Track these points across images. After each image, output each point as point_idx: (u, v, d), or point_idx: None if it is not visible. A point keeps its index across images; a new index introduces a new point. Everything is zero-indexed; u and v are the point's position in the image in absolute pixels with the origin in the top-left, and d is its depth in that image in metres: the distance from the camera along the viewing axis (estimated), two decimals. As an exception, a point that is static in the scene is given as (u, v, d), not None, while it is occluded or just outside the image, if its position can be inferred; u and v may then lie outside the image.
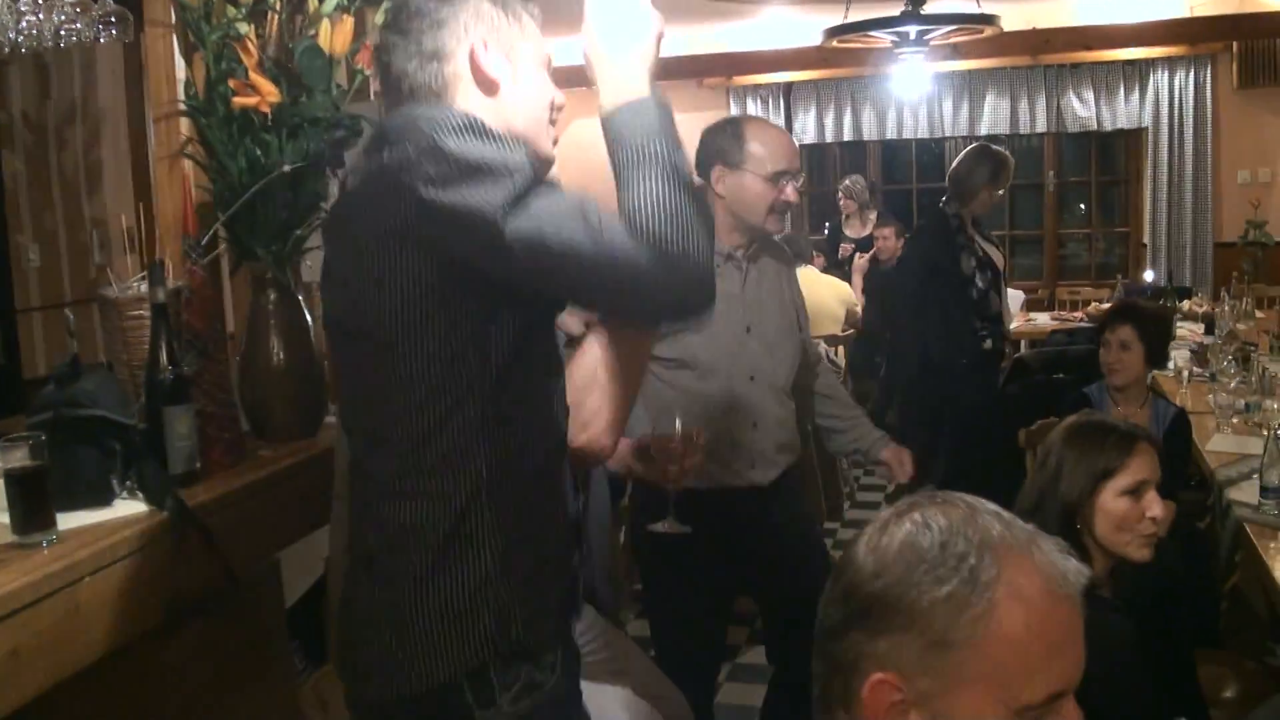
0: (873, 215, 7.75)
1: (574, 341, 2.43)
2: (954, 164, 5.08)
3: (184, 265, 2.30)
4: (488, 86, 1.66)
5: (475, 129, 1.52)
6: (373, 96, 4.36)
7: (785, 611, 3.02)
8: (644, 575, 3.17)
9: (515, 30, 1.69)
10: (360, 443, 1.71)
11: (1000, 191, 5.12)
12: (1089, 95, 7.98)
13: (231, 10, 2.33)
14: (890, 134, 8.41)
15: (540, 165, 1.65)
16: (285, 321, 2.49)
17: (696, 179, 1.62)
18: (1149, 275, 7.45)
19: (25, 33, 2.18)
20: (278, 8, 2.41)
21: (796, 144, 2.98)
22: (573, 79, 6.64)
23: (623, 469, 2.40)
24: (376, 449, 1.66)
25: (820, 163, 9.06)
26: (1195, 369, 4.87)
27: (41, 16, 2.21)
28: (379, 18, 2.53)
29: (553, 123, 1.77)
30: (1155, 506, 2.23)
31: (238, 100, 2.29)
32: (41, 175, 3.64)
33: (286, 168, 2.40)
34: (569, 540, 1.78)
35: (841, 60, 7.63)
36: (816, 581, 1.27)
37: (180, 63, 2.38)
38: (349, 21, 2.37)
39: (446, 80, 1.65)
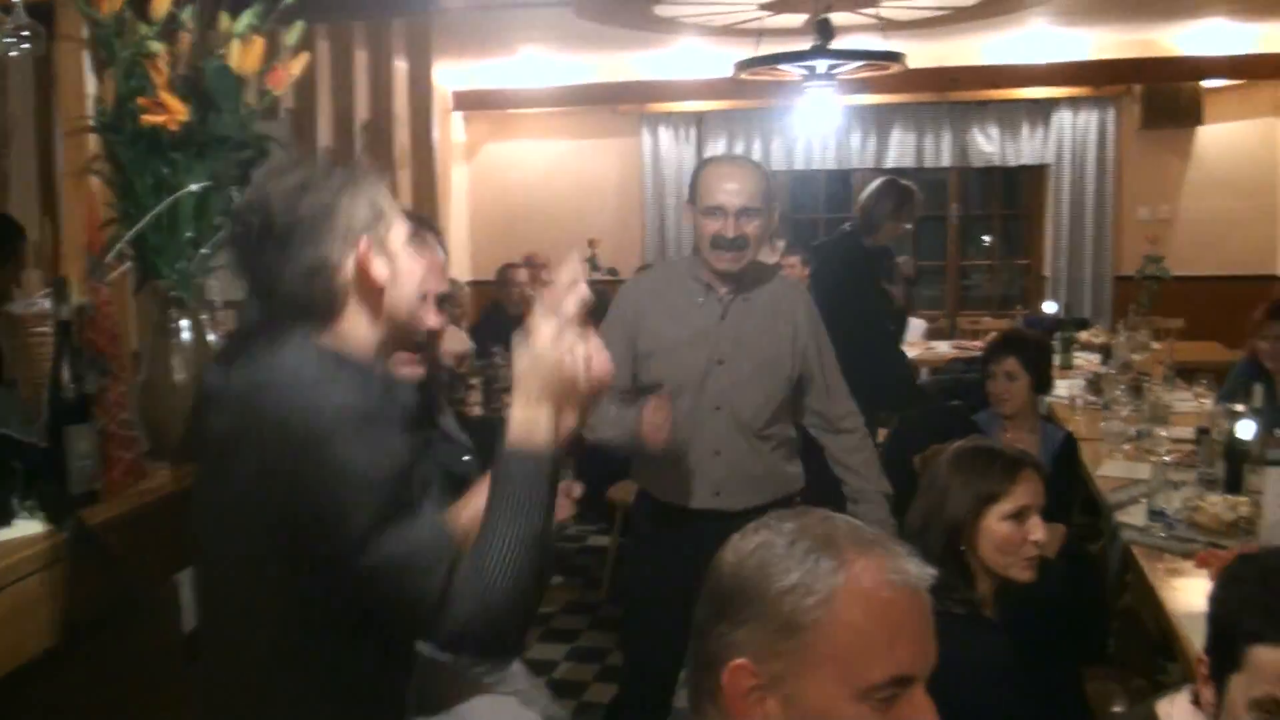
0: (780, 244, 7.85)
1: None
2: (862, 195, 5.18)
3: (87, 283, 2.28)
4: (374, 294, 1.66)
5: (365, 415, 1.52)
6: (282, 114, 4.38)
7: None
8: (623, 582, 3.33)
9: (385, 220, 1.67)
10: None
11: (907, 225, 5.22)
12: (994, 132, 8.21)
13: (143, 28, 2.32)
14: (799, 164, 8.54)
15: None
16: (187, 342, 2.47)
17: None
18: (1049, 307, 7.64)
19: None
20: (189, 27, 2.40)
21: (753, 181, 2.95)
22: (484, 102, 6.73)
23: None
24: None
25: (731, 191, 9.16)
26: (1089, 397, 5.02)
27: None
28: (290, 38, 2.55)
29: (425, 298, 1.80)
30: (1037, 530, 2.32)
31: (146, 118, 2.28)
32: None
33: (194, 187, 2.39)
34: None
35: (753, 91, 7.74)
36: None
37: (91, 78, 2.36)
38: (259, 42, 2.37)
39: (335, 293, 1.63)
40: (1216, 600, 1.74)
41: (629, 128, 8.81)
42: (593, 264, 8.00)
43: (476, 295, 7.66)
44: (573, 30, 6.98)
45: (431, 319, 2.11)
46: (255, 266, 1.65)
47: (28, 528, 2.07)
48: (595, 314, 5.42)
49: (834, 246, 5.30)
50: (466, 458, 2.32)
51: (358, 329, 1.66)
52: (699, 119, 8.70)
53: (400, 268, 1.69)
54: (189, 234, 2.44)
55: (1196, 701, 1.77)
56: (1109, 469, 4.00)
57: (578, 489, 2.24)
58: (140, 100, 2.28)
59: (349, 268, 1.62)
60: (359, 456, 1.49)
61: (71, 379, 2.17)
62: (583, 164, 8.94)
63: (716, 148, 8.68)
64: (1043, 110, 8.21)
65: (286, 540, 1.54)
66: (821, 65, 6.15)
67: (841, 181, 8.79)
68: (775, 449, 3.10)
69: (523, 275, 7.13)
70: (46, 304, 2.25)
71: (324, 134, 4.41)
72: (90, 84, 2.36)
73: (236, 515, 1.59)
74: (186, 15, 2.31)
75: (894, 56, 5.96)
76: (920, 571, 1.25)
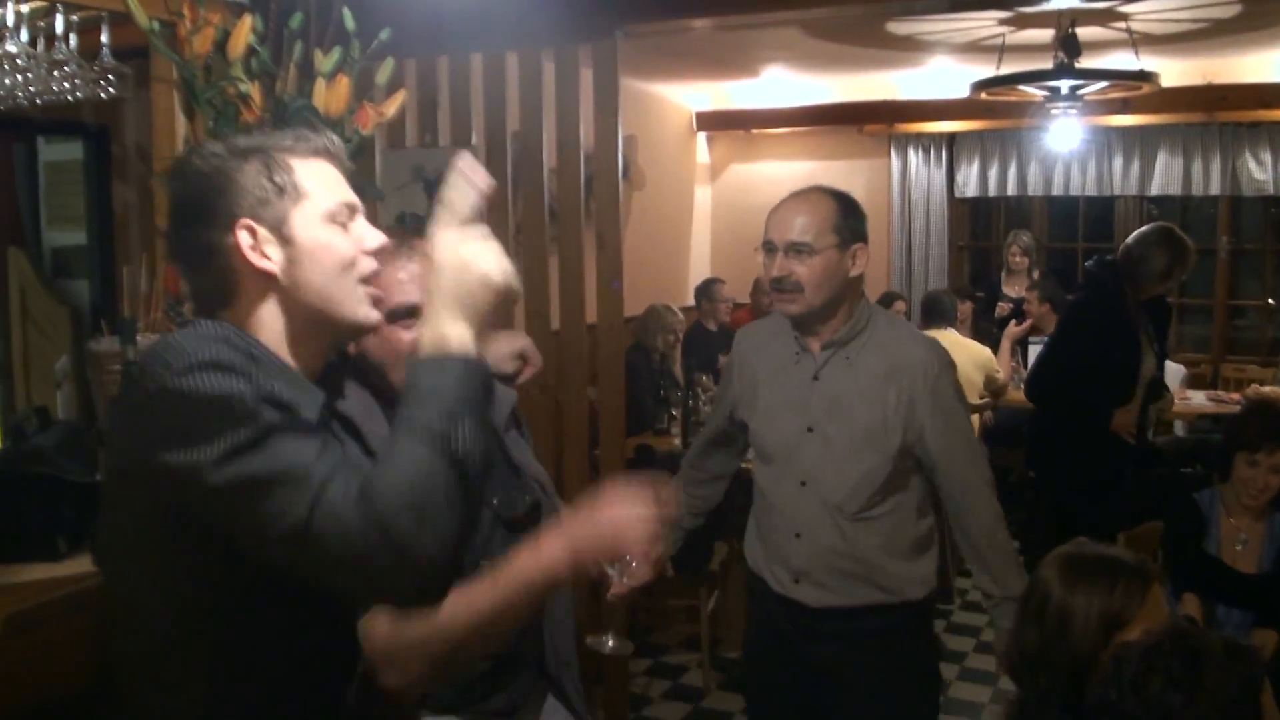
0: (1036, 274, 7.36)
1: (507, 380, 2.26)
2: (1130, 240, 4.48)
3: (165, 323, 2.30)
4: (264, 279, 1.47)
5: (210, 365, 1.34)
6: (474, 141, 4.39)
7: None
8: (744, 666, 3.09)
9: (289, 196, 1.47)
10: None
11: (1171, 284, 4.59)
12: (1267, 157, 7.32)
13: (235, 69, 2.32)
14: (1057, 190, 7.95)
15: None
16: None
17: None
18: (1318, 357, 6.81)
19: (24, 89, 2.22)
20: (285, 68, 2.39)
21: (811, 213, 2.55)
22: (727, 122, 6.59)
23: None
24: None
25: (986, 216, 8.69)
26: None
27: (45, 72, 2.24)
28: (381, 77, 2.51)
29: (366, 278, 1.52)
30: None
31: (223, 160, 2.28)
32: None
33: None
34: None
35: (1004, 112, 7.30)
36: None
37: (181, 118, 2.38)
38: (344, 82, 2.33)
39: (225, 276, 1.47)
40: None
41: (877, 149, 8.49)
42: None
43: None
44: (815, 50, 6.79)
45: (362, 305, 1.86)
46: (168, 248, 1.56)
47: (78, 567, 2.10)
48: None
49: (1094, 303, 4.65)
50: (528, 497, 2.11)
51: (257, 310, 1.48)
52: (950, 140, 8.28)
53: (305, 250, 1.47)
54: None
55: None
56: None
57: (659, 549, 2.07)
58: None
59: (235, 251, 1.45)
60: (218, 383, 1.33)
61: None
62: (829, 185, 8.64)
63: (969, 171, 8.25)
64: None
65: (153, 496, 1.40)
66: (1065, 85, 5.69)
67: (1104, 208, 8.11)
68: (875, 541, 2.60)
69: (723, 291, 6.98)
70: (125, 343, 2.27)
71: (549, 156, 4.37)
72: (181, 124, 2.38)
73: (121, 491, 1.47)
74: (264, 55, 2.29)
75: (1144, 76, 5.43)
76: None
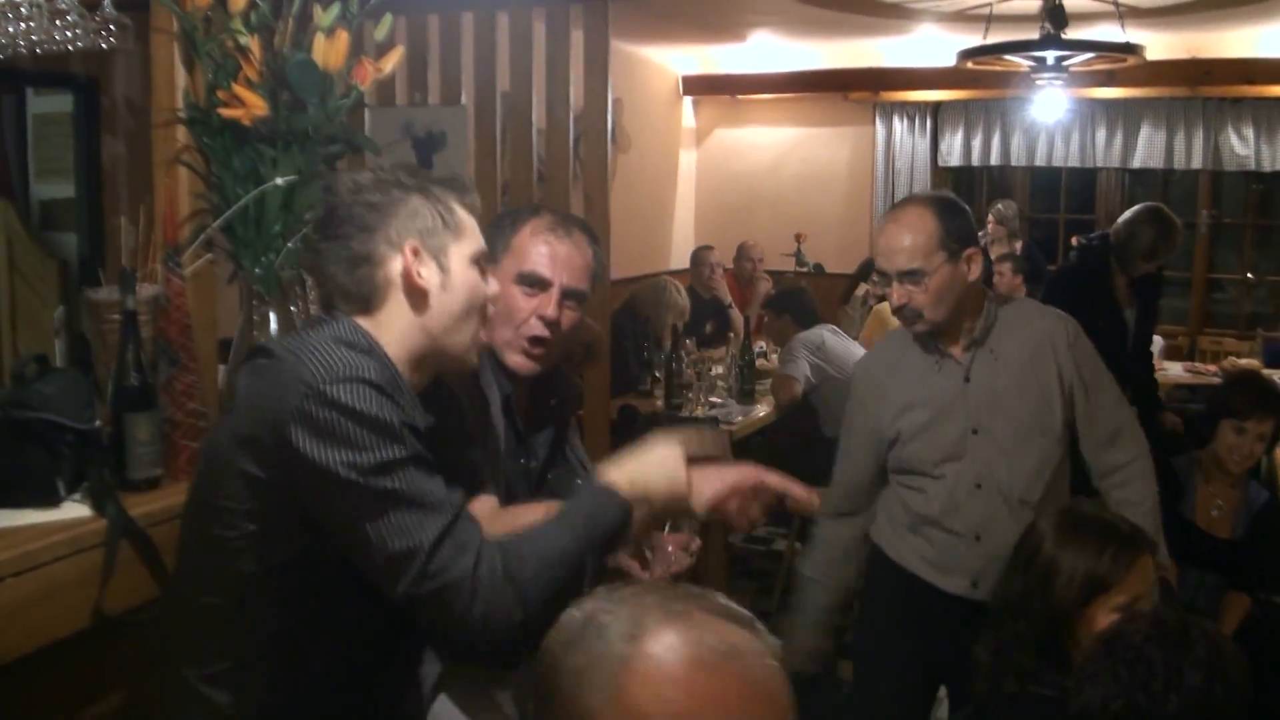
0: (1018, 244, 7.42)
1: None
2: (1121, 219, 4.70)
3: (162, 273, 2.32)
4: (418, 296, 1.67)
5: (370, 384, 1.53)
6: (463, 100, 4.39)
7: None
8: (857, 643, 3.11)
9: (450, 231, 1.69)
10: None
11: (1158, 261, 4.72)
12: (1249, 132, 7.38)
13: (235, 22, 2.33)
14: (1040, 160, 8.01)
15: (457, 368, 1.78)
16: (274, 335, 2.48)
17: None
18: (1291, 333, 6.89)
19: (25, 38, 2.22)
20: (284, 22, 2.40)
21: (914, 236, 2.53)
22: (713, 87, 6.61)
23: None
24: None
25: (969, 186, 8.73)
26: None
27: (47, 22, 2.24)
28: (379, 33, 2.52)
29: (484, 319, 1.77)
30: None
31: (224, 111, 2.29)
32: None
33: (279, 181, 2.40)
34: None
35: (989, 82, 7.33)
36: None
37: (181, 70, 2.39)
38: (343, 36, 2.34)
39: (376, 285, 1.66)
40: None
41: (862, 116, 8.51)
42: (798, 259, 7.81)
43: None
44: (803, 15, 6.79)
45: (550, 309, 2.09)
46: (311, 251, 1.74)
47: (74, 511, 2.13)
48: (777, 304, 5.12)
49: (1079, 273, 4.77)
50: (579, 481, 2.19)
51: (396, 322, 1.68)
52: (935, 109, 8.30)
53: (455, 281, 1.70)
54: (276, 228, 2.45)
55: None
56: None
57: (696, 543, 2.16)
58: (219, 94, 2.30)
59: (394, 267, 1.66)
60: (376, 403, 1.52)
61: (135, 367, 2.21)
62: (813, 152, 8.70)
63: (953, 140, 8.29)
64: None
65: (275, 470, 1.55)
66: (1050, 56, 5.72)
67: (1086, 179, 8.16)
68: None
69: (714, 257, 6.99)
70: (123, 292, 2.29)
71: (538, 117, 4.36)
72: (181, 76, 2.38)
73: (233, 454, 1.61)
74: (264, 8, 2.30)
75: (1129, 48, 5.46)
76: (749, 644, 1.07)
